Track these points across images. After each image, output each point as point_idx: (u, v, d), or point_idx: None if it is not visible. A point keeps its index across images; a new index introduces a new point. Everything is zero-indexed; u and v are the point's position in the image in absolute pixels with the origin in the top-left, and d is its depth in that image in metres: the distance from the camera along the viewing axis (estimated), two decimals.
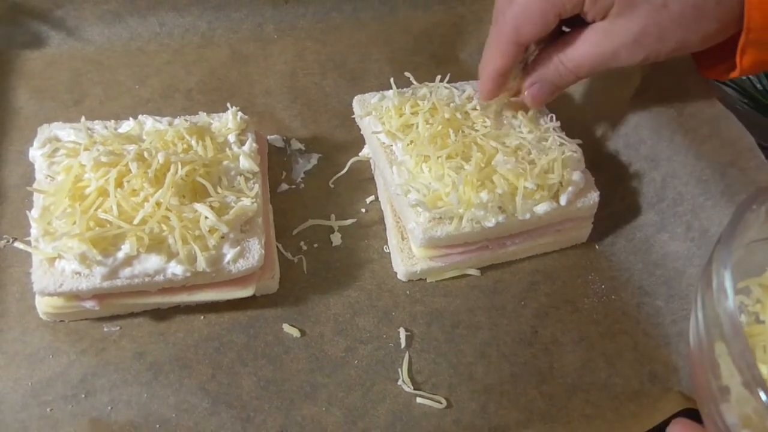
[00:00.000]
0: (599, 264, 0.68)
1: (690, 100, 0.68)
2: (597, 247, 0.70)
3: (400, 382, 0.58)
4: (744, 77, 0.91)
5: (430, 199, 0.61)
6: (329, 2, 0.88)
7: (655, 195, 0.67)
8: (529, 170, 0.62)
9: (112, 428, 0.53)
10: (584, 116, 0.77)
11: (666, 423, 0.46)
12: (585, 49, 0.58)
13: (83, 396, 0.55)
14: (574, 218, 0.67)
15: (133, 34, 0.83)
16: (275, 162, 0.73)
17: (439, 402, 0.57)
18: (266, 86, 0.80)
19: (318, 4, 0.88)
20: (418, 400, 0.57)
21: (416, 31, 0.89)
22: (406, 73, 0.71)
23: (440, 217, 0.61)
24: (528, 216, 0.62)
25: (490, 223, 0.61)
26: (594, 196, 0.65)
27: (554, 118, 0.70)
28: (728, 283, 0.31)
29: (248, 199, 0.60)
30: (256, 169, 0.63)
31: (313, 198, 0.70)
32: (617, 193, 0.70)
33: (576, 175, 0.64)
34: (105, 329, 0.59)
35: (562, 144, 0.66)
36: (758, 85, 1.00)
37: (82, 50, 0.81)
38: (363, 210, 0.70)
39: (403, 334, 0.61)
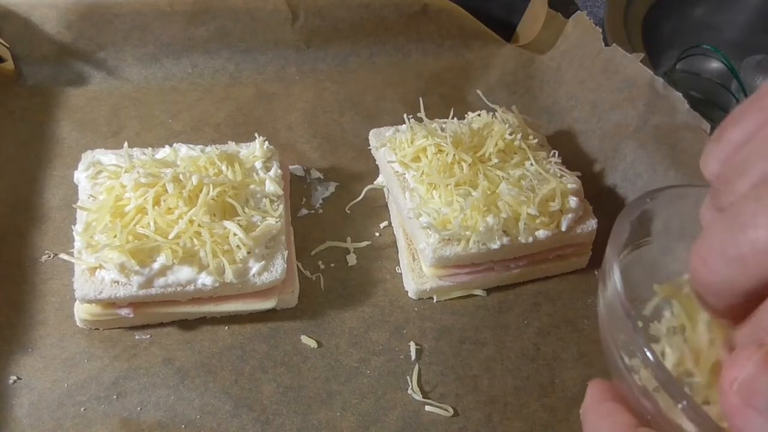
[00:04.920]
0: (598, 288, 0.72)
1: (682, 136, 0.73)
2: (596, 273, 0.74)
3: (409, 391, 0.62)
4: None
5: (440, 222, 0.66)
6: (347, 47, 0.95)
7: None
8: (531, 198, 0.67)
9: (141, 428, 0.57)
10: (585, 153, 0.83)
11: None
12: None
13: (115, 397, 0.59)
14: (574, 244, 0.71)
15: (167, 74, 0.90)
16: (296, 189, 0.78)
17: (447, 410, 0.60)
18: (288, 122, 0.87)
19: (337, 49, 0.95)
20: (427, 408, 0.61)
21: (427, 74, 0.96)
22: (419, 114, 0.77)
23: (449, 239, 0.66)
24: (530, 240, 0.67)
25: (495, 245, 0.66)
26: (592, 223, 0.70)
27: (557, 154, 0.75)
28: (616, 269, 0.36)
29: (273, 219, 0.65)
30: (281, 192, 0.68)
31: (330, 222, 0.76)
32: None
33: (574, 203, 0.69)
34: (136, 337, 0.63)
35: (562, 176, 0.72)
36: None
37: (120, 88, 0.88)
38: (377, 234, 0.75)
39: (413, 347, 0.65)
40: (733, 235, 0.27)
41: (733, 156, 0.30)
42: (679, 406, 0.30)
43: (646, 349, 0.32)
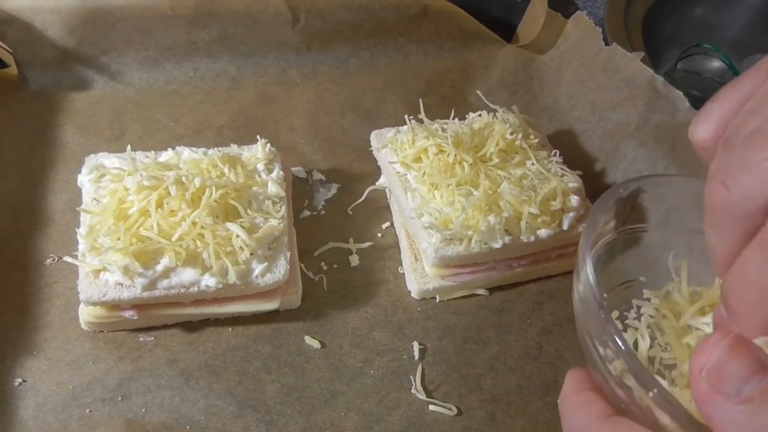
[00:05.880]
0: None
1: (683, 135, 0.74)
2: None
3: (413, 391, 0.62)
4: None
5: (442, 221, 0.66)
6: (348, 49, 0.96)
7: None
8: (532, 197, 0.67)
9: (146, 429, 0.57)
10: (586, 152, 0.83)
11: None
12: None
13: (120, 399, 0.59)
14: (575, 243, 0.71)
15: (169, 77, 0.90)
16: (298, 191, 0.78)
17: (450, 410, 0.61)
18: (290, 124, 0.87)
19: (338, 51, 0.95)
20: (430, 407, 0.61)
21: (428, 75, 0.96)
22: (420, 115, 0.77)
23: (451, 239, 0.66)
24: (532, 239, 0.67)
25: (497, 244, 0.66)
26: None
27: (558, 153, 0.75)
28: (588, 263, 0.37)
29: (276, 220, 0.65)
30: (283, 193, 0.69)
31: (332, 223, 0.76)
32: None
33: (575, 202, 0.69)
34: (141, 339, 0.64)
35: (563, 175, 0.72)
36: None
37: (123, 92, 0.88)
38: (379, 234, 0.75)
39: (416, 347, 0.65)
40: (756, 150, 0.27)
41: (737, 112, 0.31)
42: (650, 394, 0.31)
43: (617, 339, 0.33)
